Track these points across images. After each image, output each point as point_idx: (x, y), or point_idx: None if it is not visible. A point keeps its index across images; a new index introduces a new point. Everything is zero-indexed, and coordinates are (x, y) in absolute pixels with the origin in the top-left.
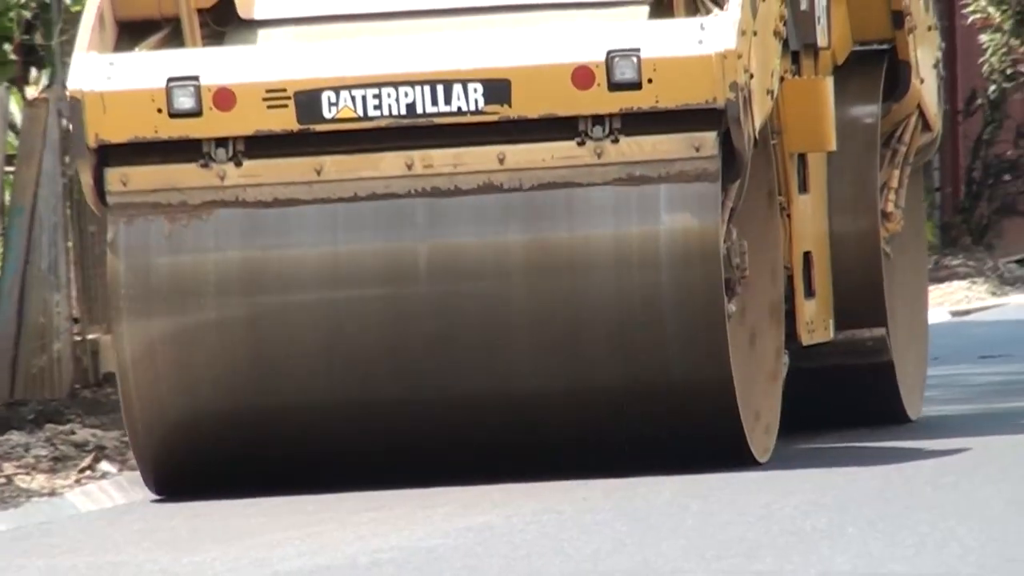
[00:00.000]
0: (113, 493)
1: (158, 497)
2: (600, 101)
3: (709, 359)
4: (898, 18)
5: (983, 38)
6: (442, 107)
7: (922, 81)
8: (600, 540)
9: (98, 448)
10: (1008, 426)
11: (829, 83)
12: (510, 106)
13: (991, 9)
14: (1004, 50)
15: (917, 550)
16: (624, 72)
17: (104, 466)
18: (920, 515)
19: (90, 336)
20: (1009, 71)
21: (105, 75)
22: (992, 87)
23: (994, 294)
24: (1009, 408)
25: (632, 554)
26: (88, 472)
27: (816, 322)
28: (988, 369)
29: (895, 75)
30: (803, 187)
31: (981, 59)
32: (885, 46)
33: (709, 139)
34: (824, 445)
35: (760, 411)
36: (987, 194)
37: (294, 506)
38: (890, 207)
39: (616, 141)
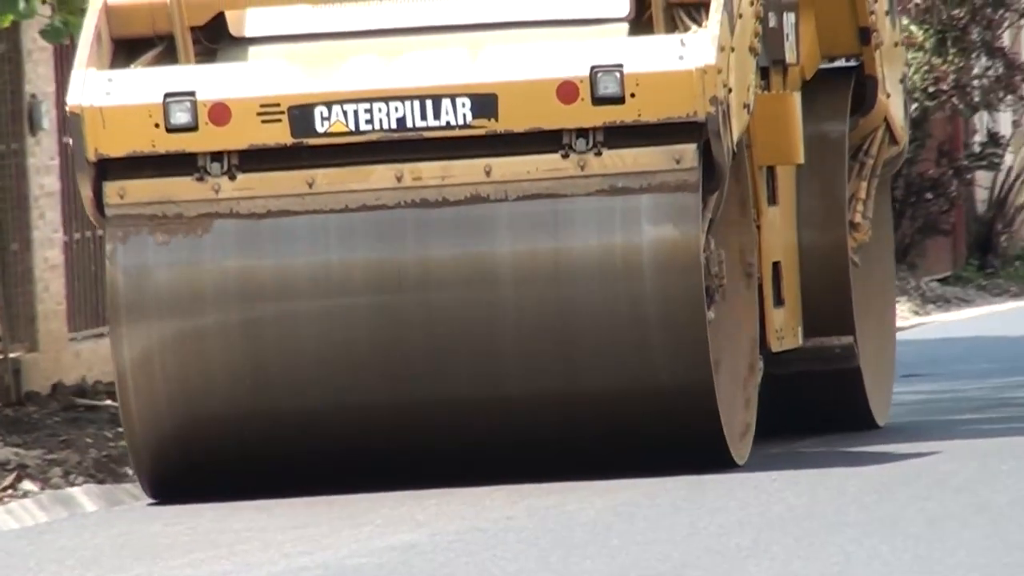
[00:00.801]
0: (35, 512)
1: (153, 501)
2: (584, 115)
3: (691, 364)
4: (865, 34)
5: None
6: (431, 121)
7: (888, 96)
8: (524, 559)
9: (20, 467)
10: (930, 445)
11: (797, 98)
12: (497, 120)
13: (913, 28)
14: (926, 68)
15: (841, 568)
16: (607, 87)
17: (26, 485)
18: (845, 533)
19: (12, 355)
20: (931, 89)
21: (104, 91)
22: (914, 106)
23: (916, 313)
24: (933, 425)
25: (557, 572)
26: (10, 491)
27: (785, 330)
28: (911, 388)
29: (862, 90)
30: (772, 199)
31: None
32: (853, 62)
33: (689, 151)
34: (763, 455)
35: (739, 415)
36: (909, 213)
37: (225, 524)
38: (858, 218)
39: (599, 154)
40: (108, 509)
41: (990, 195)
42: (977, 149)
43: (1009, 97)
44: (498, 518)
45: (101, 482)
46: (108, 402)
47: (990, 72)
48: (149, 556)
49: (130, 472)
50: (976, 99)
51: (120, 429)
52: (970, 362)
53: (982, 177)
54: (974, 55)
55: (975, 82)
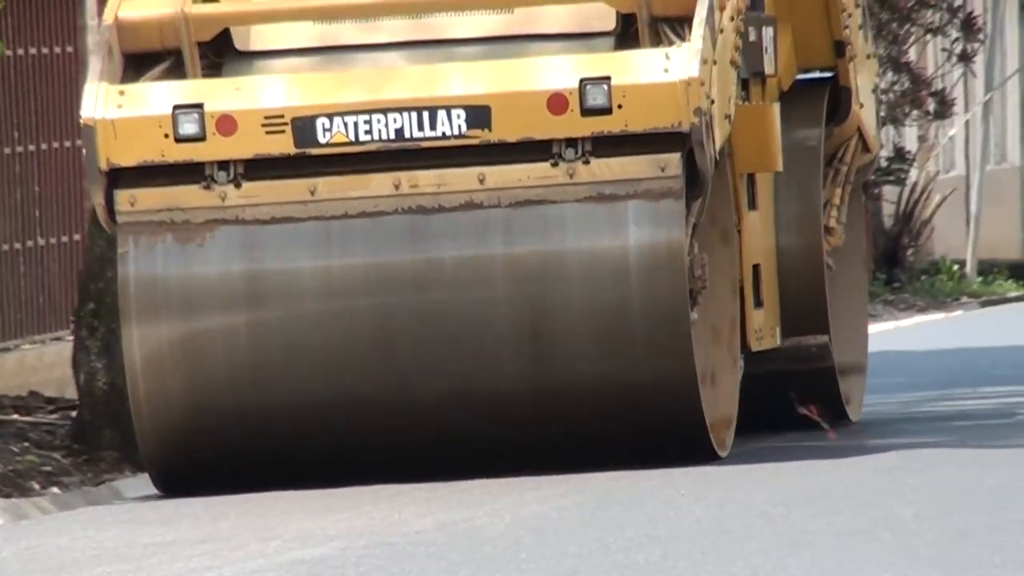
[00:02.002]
0: None
1: (162, 495)
2: (573, 125)
3: (676, 362)
4: (840, 47)
5: None
6: (427, 132)
7: (862, 106)
8: (433, 574)
9: None
10: (838, 460)
11: (776, 109)
12: (490, 130)
13: None
14: None
15: None
16: (596, 98)
17: None
18: (752, 547)
19: None
20: None
21: (115, 103)
22: None
23: None
24: (841, 439)
25: None
26: None
27: (764, 330)
28: None
29: (837, 100)
30: (752, 204)
31: None
32: (827, 73)
33: (674, 160)
34: (678, 466)
35: (721, 410)
36: None
37: (133, 538)
38: (832, 223)
39: (587, 162)
40: (15, 523)
41: (896, 210)
42: (883, 164)
43: (915, 112)
44: (408, 532)
45: (7, 496)
46: (15, 416)
47: (896, 87)
48: (54, 570)
49: (37, 487)
50: (882, 114)
51: (27, 443)
52: (879, 376)
53: (889, 192)
54: (880, 70)
55: (881, 97)
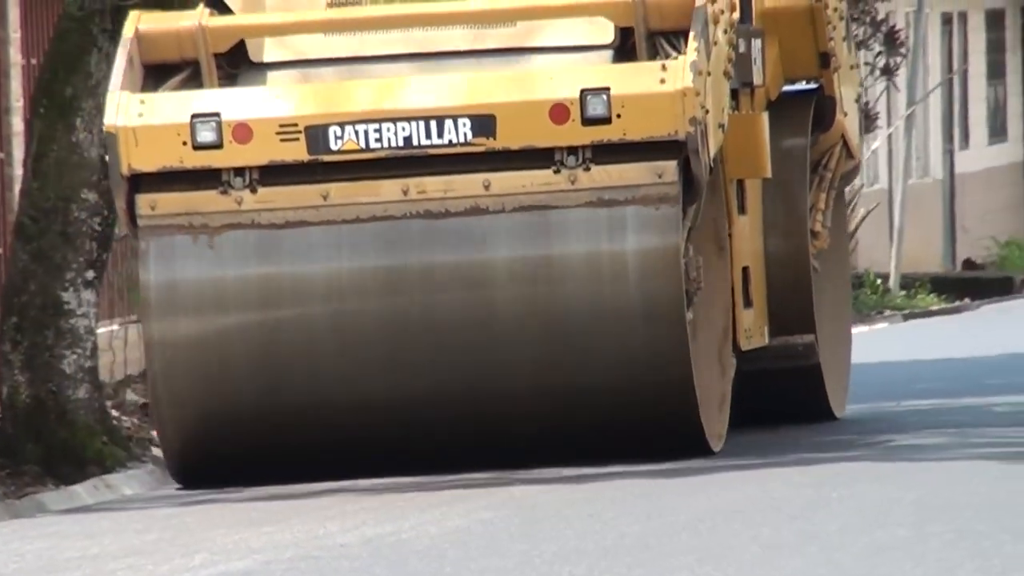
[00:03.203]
0: None
1: (180, 487)
2: (574, 134)
3: (672, 360)
4: (825, 59)
5: None
6: (435, 140)
7: (846, 115)
8: None
9: None
10: (763, 473)
11: (765, 118)
12: (495, 138)
13: None
14: None
15: None
16: (596, 108)
17: None
18: (677, 561)
19: None
20: None
21: (136, 112)
22: None
23: None
24: (766, 453)
25: None
26: None
27: (753, 329)
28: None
29: (822, 109)
30: (741, 209)
31: None
32: (813, 84)
33: (671, 167)
34: (606, 479)
35: (715, 406)
36: None
37: (57, 552)
38: (818, 227)
39: (588, 169)
40: None
41: None
42: None
43: None
44: (332, 546)
45: None
46: None
47: None
48: None
49: None
50: None
51: None
52: None
53: None
54: None
55: None
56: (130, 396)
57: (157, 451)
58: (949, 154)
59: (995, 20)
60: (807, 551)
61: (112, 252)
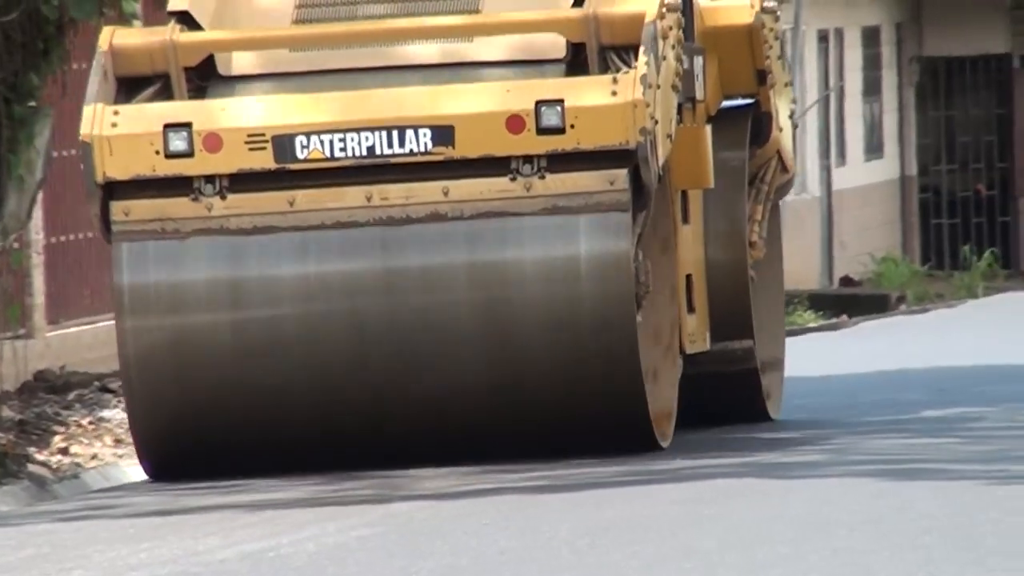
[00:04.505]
0: None
1: (151, 480)
2: (530, 143)
3: (623, 362)
4: (762, 76)
5: None
6: (396, 149)
7: (780, 130)
8: None
9: None
10: (638, 490)
11: (708, 130)
12: (454, 148)
13: None
14: None
15: None
16: (550, 119)
17: None
18: None
19: None
20: None
21: (111, 123)
22: None
23: None
24: (641, 470)
25: None
26: None
27: (696, 334)
28: None
29: (758, 124)
30: (685, 219)
31: None
32: (749, 100)
33: (621, 175)
34: (485, 495)
35: (663, 404)
36: None
37: None
38: (755, 237)
39: (543, 177)
40: None
41: None
42: None
43: None
44: (211, 561)
45: None
46: None
47: None
48: None
49: None
50: None
51: None
52: None
53: None
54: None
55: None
56: (6, 412)
57: (34, 467)
58: (826, 171)
59: (871, 37)
60: (686, 568)
61: None
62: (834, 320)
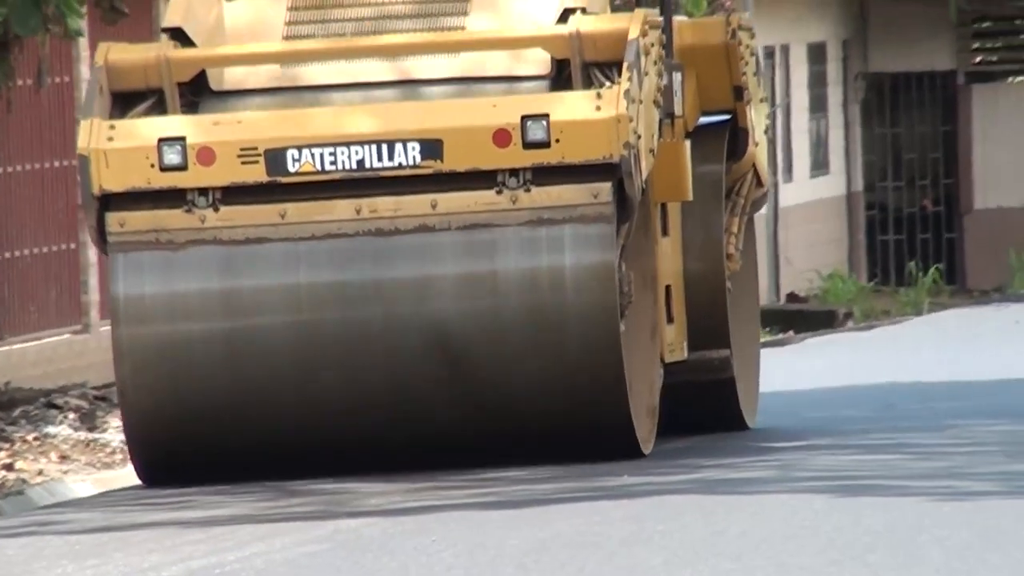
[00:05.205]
0: None
1: (144, 485)
2: (516, 157)
3: (607, 370)
4: (739, 92)
5: None
6: (386, 162)
7: (756, 144)
8: None
9: None
10: (586, 506)
11: (687, 145)
12: (442, 161)
13: None
14: None
15: None
16: (536, 133)
17: None
18: None
19: None
20: None
21: (107, 136)
22: None
23: None
24: (587, 486)
25: None
26: None
27: (675, 344)
28: None
29: (735, 139)
30: (664, 231)
31: None
32: (726, 115)
33: (606, 188)
34: (433, 511)
35: (645, 411)
36: None
37: None
38: (731, 249)
39: (529, 190)
40: None
41: None
42: None
43: None
44: (141, 568)
45: None
46: None
47: None
48: None
49: None
50: None
51: None
52: None
53: None
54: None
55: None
56: None
57: None
58: (773, 187)
59: (817, 53)
60: None
61: None
62: (780, 336)
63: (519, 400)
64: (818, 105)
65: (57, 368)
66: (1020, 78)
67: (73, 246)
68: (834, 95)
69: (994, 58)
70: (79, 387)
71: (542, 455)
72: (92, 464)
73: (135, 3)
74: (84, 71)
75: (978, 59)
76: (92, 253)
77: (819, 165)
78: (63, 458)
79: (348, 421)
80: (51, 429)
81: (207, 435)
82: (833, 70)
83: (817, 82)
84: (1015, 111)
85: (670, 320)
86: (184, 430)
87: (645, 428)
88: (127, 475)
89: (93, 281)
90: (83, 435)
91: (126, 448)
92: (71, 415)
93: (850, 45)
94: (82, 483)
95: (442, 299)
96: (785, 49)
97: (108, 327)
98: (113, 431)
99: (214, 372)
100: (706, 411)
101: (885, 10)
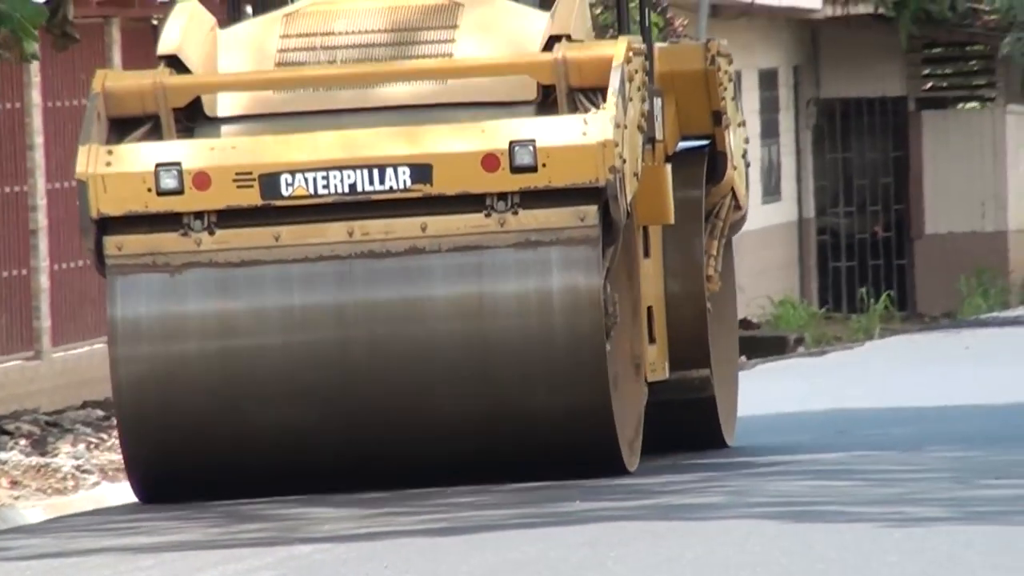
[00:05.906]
0: None
1: (141, 503)
2: (504, 181)
3: (592, 388)
4: (717, 117)
5: None
6: (377, 186)
7: (735, 168)
8: None
9: None
10: (541, 532)
11: (668, 169)
12: (431, 185)
13: None
14: None
15: None
16: (523, 158)
17: None
18: None
19: None
20: None
21: (104, 161)
22: None
23: None
24: (544, 510)
25: None
26: None
27: (656, 363)
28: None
29: (714, 163)
30: (646, 253)
31: None
32: (704, 140)
33: (592, 211)
34: (385, 537)
35: (630, 430)
36: None
37: None
38: (711, 271)
39: (516, 213)
40: None
41: None
42: None
43: None
44: None
45: None
46: None
47: None
48: None
49: None
50: None
51: None
52: None
53: None
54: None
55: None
56: None
57: None
58: None
59: (769, 79)
60: None
61: None
62: None
63: (507, 420)
64: (770, 131)
65: (9, 393)
66: (970, 104)
67: (25, 272)
68: (785, 121)
69: (944, 84)
70: (31, 413)
71: (528, 474)
72: (43, 490)
73: (86, 29)
74: (35, 96)
75: (928, 85)
76: (44, 279)
77: (771, 191)
78: (14, 484)
79: (341, 437)
80: (2, 455)
81: (202, 455)
82: (784, 96)
83: (769, 108)
84: (965, 137)
85: (652, 340)
86: (180, 450)
87: (629, 445)
88: (79, 501)
89: (45, 307)
90: (34, 460)
91: (83, 472)
92: (22, 441)
93: (801, 71)
94: (33, 509)
95: (432, 320)
96: (736, 75)
97: (60, 353)
98: (64, 456)
99: (209, 393)
100: (686, 429)
101: (836, 36)
